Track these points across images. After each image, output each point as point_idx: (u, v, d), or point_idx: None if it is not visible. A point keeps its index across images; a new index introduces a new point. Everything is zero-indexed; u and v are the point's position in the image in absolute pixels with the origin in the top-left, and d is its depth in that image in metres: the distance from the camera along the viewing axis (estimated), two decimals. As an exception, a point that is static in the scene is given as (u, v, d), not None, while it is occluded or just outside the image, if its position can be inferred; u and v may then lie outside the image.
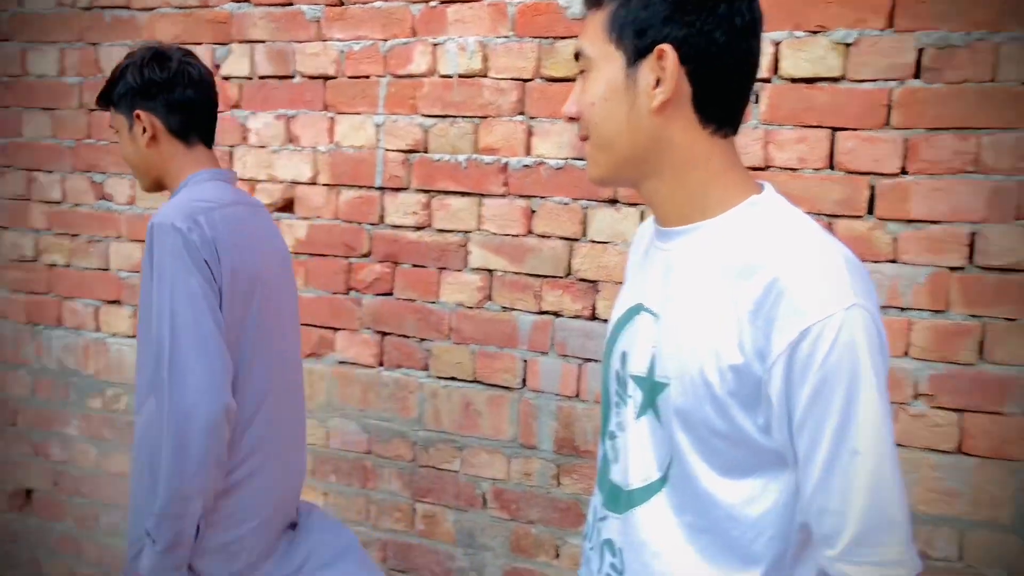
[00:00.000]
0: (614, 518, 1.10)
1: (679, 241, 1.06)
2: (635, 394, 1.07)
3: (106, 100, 1.77)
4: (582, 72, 1.07)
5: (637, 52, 1.01)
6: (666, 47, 0.99)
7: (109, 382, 2.73)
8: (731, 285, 0.98)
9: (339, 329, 2.39)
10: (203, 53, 2.50)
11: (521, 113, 2.13)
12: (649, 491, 1.06)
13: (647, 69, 1.01)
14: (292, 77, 2.40)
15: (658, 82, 1.01)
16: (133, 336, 2.63)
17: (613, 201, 2.05)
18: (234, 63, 2.47)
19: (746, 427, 0.97)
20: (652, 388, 1.04)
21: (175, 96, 1.70)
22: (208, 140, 1.77)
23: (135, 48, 1.80)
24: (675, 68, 1.00)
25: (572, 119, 1.10)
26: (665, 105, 1.01)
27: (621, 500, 1.09)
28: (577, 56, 1.08)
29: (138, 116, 1.71)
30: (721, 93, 1.03)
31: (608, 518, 1.11)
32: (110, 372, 2.73)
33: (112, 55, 2.62)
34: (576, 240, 2.09)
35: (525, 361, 2.16)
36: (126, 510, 1.79)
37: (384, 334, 2.34)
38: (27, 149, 2.81)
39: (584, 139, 1.09)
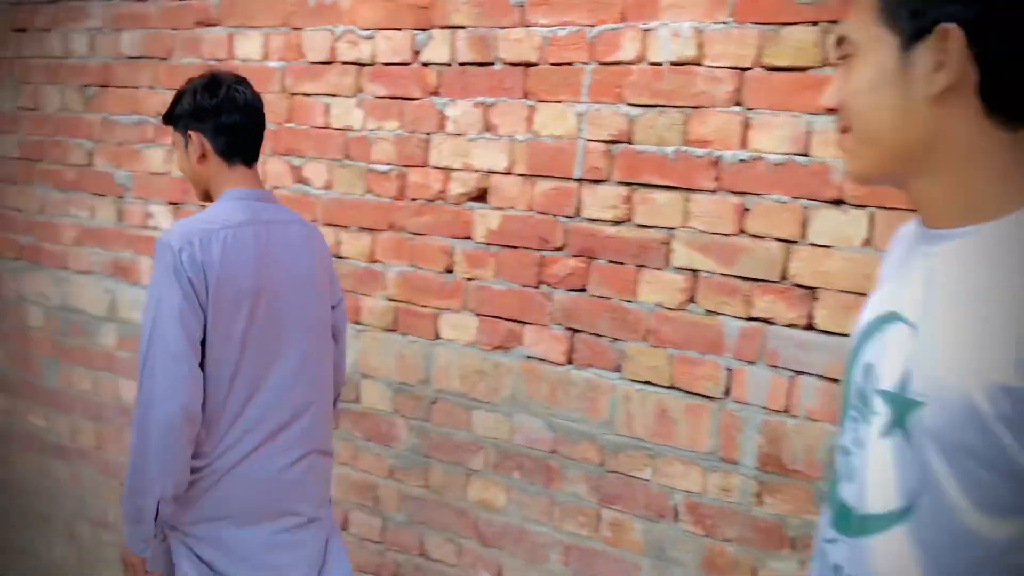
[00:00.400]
0: (843, 541, 0.99)
1: (948, 246, 0.93)
2: (881, 411, 0.95)
3: (168, 119, 2.02)
4: (844, 58, 0.99)
5: (914, 33, 0.91)
6: (951, 26, 0.88)
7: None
8: (1009, 296, 0.85)
9: (528, 323, 2.33)
10: (403, 39, 2.49)
11: (738, 104, 1.99)
12: (888, 520, 0.93)
13: (925, 52, 0.90)
14: (492, 64, 2.35)
15: (939, 66, 0.90)
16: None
17: (838, 202, 1.88)
18: (434, 49, 2.44)
19: (1021, 461, 0.83)
20: (903, 406, 0.92)
21: (222, 120, 1.94)
22: (250, 160, 2.00)
23: (204, 72, 2.03)
24: (961, 50, 0.88)
25: (832, 110, 1.01)
26: (946, 93, 0.90)
27: (852, 523, 0.98)
28: (840, 41, 0.99)
29: (190, 136, 1.96)
30: (1014, 80, 0.90)
31: (837, 541, 1.00)
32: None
33: (315, 40, 2.66)
34: (794, 242, 1.94)
35: (730, 370, 2.03)
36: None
37: (575, 331, 2.26)
38: (230, 131, 2.90)
39: (844, 131, 1.00)
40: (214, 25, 2.90)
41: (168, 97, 2.08)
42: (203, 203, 2.05)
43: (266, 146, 2.77)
